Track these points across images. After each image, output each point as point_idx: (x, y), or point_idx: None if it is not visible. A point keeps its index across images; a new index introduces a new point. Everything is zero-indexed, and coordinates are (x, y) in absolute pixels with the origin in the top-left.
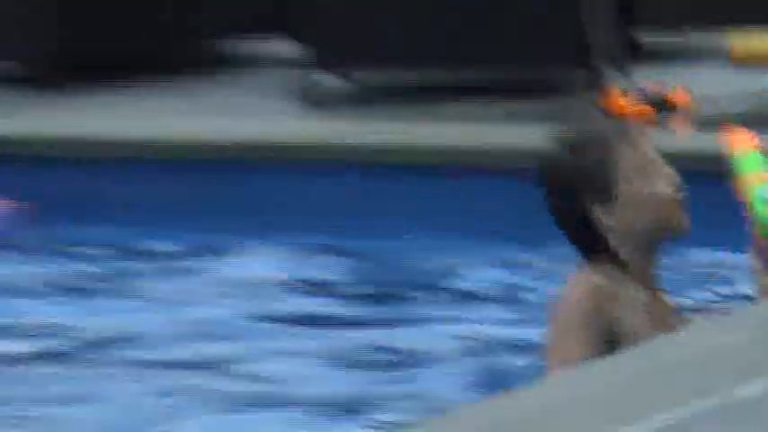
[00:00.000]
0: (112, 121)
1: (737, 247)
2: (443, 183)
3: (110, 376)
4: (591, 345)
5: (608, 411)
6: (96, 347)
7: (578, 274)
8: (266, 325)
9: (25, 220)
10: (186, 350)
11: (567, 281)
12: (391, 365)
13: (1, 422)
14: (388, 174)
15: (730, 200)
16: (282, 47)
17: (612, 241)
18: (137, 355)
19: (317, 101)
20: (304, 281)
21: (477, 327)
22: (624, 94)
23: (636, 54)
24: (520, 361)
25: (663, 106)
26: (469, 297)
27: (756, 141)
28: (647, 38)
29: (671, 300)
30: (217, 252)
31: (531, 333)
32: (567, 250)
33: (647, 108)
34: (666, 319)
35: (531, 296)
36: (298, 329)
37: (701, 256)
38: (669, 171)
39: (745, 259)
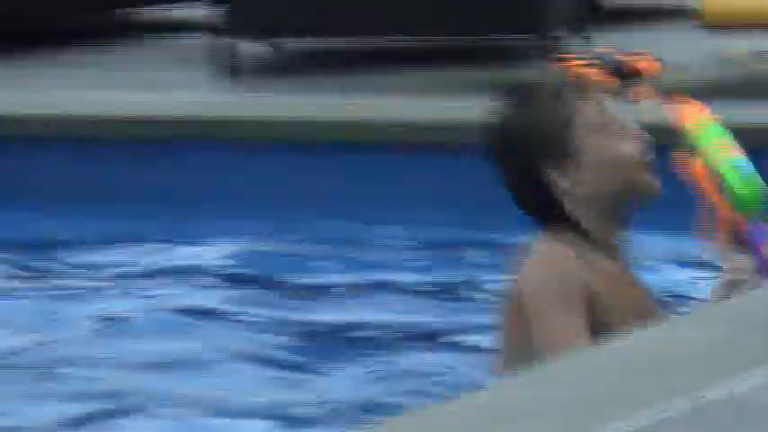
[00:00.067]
0: (11, 95)
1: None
2: (380, 159)
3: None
4: (580, 313)
5: (577, 413)
6: None
7: (537, 246)
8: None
9: None
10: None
11: (520, 257)
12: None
13: None
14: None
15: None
16: (200, 13)
17: (568, 205)
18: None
19: (233, 70)
20: (224, 265)
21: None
22: (583, 60)
23: (596, 16)
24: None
25: (627, 74)
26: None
27: (708, 112)
28: None
29: (640, 277)
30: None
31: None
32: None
33: (610, 76)
34: (637, 296)
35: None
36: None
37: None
38: (634, 130)
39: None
